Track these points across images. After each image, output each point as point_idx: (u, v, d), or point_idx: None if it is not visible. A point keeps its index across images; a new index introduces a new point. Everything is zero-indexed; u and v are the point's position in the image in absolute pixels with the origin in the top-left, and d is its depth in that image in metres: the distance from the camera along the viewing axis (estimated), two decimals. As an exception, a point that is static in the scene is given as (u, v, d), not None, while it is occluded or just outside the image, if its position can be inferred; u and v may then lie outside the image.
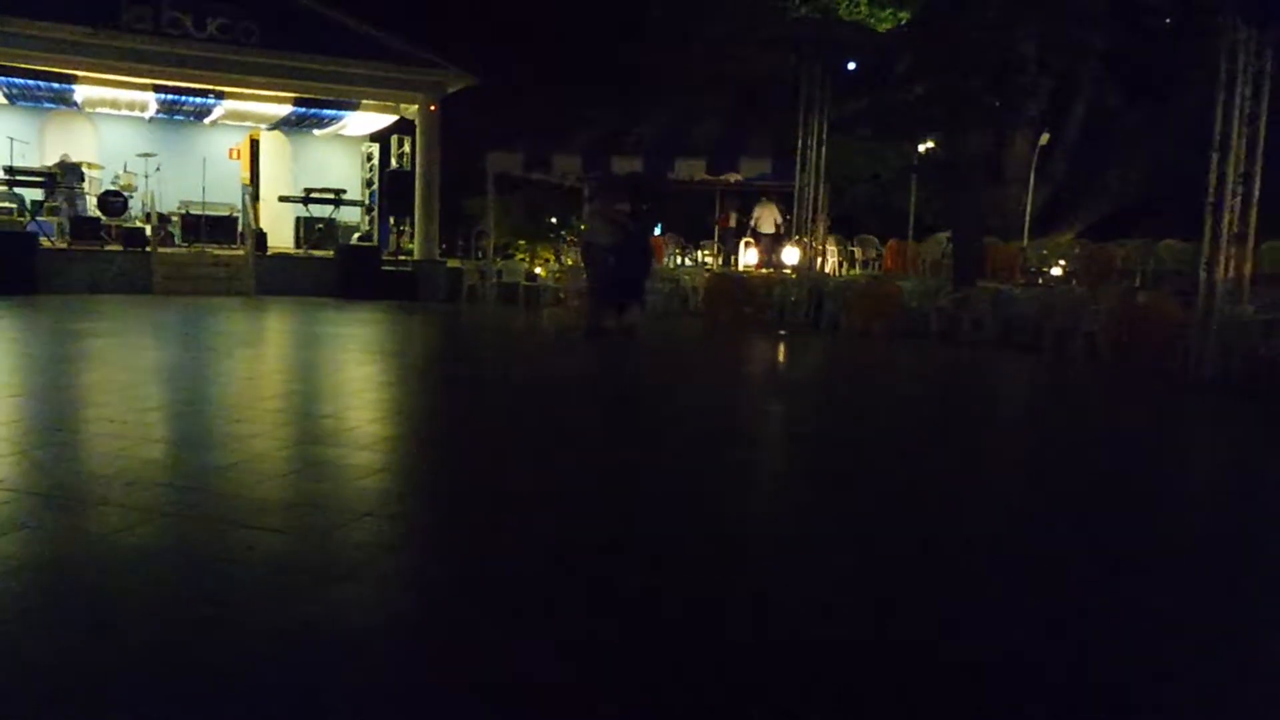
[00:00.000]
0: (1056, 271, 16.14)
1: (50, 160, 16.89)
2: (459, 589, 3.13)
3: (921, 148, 18.88)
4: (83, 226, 15.59)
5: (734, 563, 3.56)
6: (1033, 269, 16.45)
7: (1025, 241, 17.87)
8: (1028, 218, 18.83)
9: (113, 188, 16.52)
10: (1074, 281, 15.35)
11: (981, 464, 5.66)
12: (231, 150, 19.07)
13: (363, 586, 3.04)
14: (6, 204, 16.08)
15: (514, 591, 3.09)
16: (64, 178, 16.15)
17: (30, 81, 15.37)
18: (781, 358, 11.12)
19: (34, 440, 4.88)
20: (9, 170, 15.61)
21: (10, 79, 15.22)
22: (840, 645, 2.75)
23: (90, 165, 17.00)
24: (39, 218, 15.63)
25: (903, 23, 16.37)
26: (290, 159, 19.75)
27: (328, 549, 3.37)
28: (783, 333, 12.86)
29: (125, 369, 7.83)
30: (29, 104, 17.01)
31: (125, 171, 16.92)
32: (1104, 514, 4.46)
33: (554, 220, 31.51)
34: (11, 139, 16.01)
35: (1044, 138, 19.07)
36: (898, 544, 3.79)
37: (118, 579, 3.02)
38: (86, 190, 16.72)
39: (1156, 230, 15.85)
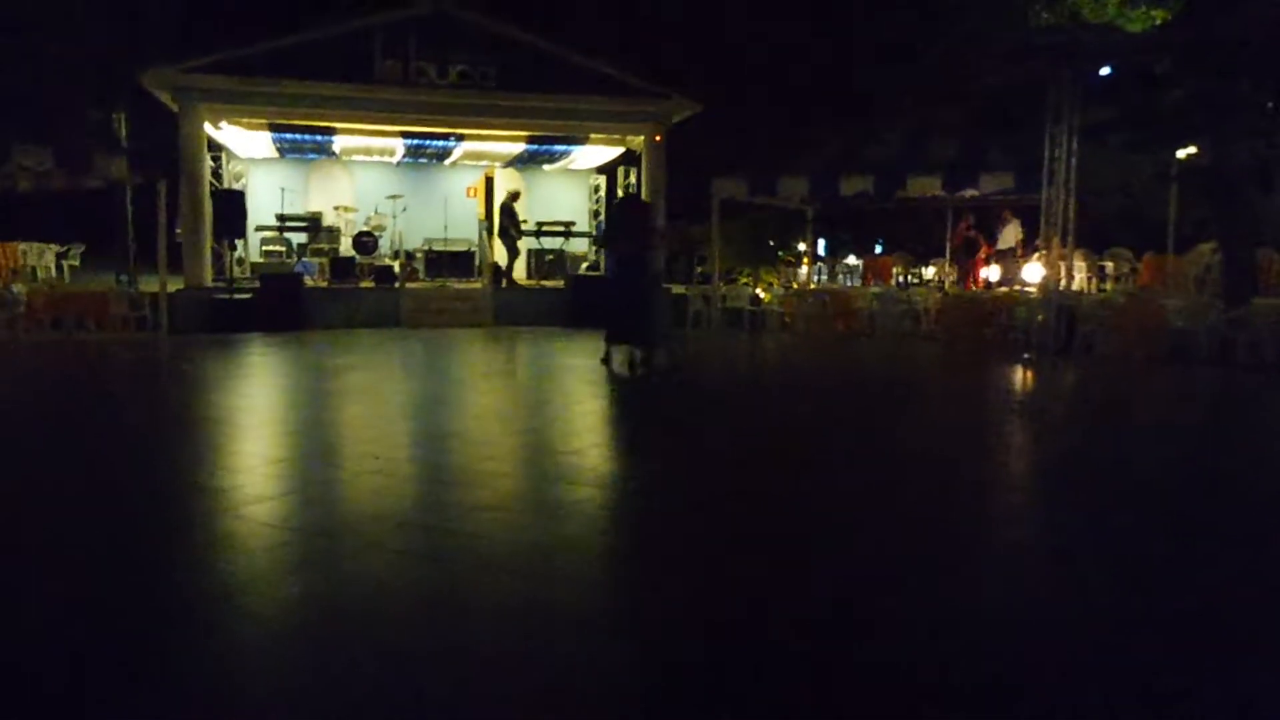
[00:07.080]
0: (1348, 286, 14.33)
1: (314, 206, 18.48)
2: (715, 641, 2.99)
3: (1181, 154, 17.30)
4: (340, 266, 16.92)
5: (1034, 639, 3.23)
6: (1317, 284, 14.69)
7: (1308, 254, 16.01)
8: (1311, 228, 16.87)
9: (365, 229, 17.85)
10: (1371, 297, 13.55)
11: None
12: (469, 189, 20.12)
13: (621, 640, 2.97)
14: (278, 247, 17.74)
15: (767, 640, 2.92)
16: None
17: (298, 135, 16.88)
18: (1040, 390, 10.22)
19: (309, 478, 5.21)
20: (280, 218, 17.19)
21: (282, 134, 16.76)
22: None
23: (346, 209, 18.46)
24: (304, 259, 17.13)
25: (1157, 23, 15.07)
26: (523, 194, 20.59)
27: (585, 596, 3.34)
28: (1027, 357, 12.00)
29: (383, 403, 8.32)
30: (295, 155, 18.68)
31: (376, 213, 18.25)
32: None
33: (771, 243, 31.24)
34: (282, 189, 17.61)
35: (1329, 139, 17.03)
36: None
37: (392, 621, 3.09)
38: (343, 232, 18.16)
39: None
